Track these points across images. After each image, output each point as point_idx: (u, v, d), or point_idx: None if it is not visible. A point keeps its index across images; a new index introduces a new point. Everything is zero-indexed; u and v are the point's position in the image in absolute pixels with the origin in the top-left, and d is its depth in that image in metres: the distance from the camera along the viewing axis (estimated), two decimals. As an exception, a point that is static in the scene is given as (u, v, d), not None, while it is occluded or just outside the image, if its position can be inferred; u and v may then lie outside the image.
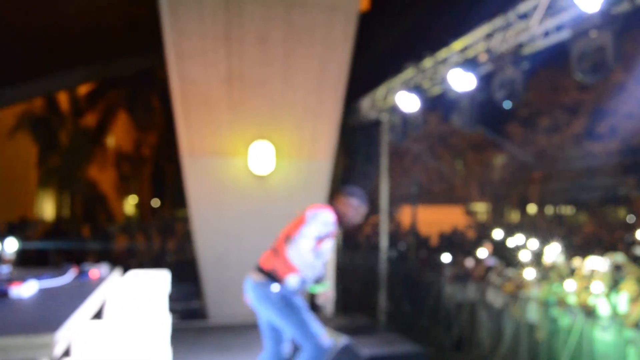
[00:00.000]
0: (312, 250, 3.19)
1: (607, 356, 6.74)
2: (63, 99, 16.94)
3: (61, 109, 16.97)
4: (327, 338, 3.29)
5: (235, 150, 7.01)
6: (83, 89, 16.92)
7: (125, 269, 4.83)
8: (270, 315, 3.37)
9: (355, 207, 3.50)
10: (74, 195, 18.24)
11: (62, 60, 9.34)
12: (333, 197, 3.76)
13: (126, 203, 20.99)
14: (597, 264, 9.24)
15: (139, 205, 20.49)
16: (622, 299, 6.81)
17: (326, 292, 3.33)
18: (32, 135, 16.05)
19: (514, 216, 24.69)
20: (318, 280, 3.29)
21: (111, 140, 18.71)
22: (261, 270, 3.38)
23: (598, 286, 7.02)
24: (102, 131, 17.51)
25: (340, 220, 3.43)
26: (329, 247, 3.44)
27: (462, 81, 5.49)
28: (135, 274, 4.56)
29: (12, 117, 15.16)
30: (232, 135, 7.03)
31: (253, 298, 3.40)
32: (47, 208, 18.16)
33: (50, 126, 16.40)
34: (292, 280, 3.29)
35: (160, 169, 18.40)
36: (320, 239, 3.24)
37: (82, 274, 4.11)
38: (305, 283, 3.36)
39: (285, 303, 3.28)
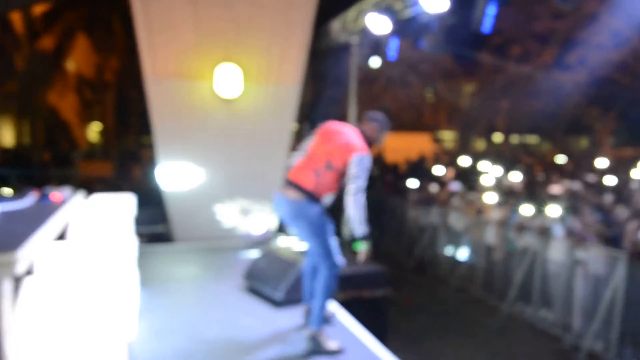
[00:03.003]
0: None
1: (558, 275, 7.17)
2: (17, 19, 15.98)
3: (15, 31, 16.05)
4: (342, 257, 3.52)
5: (200, 72, 6.81)
6: (38, 9, 15.96)
7: (89, 193, 4.80)
8: (302, 232, 3.53)
9: (380, 131, 3.63)
10: (34, 122, 17.66)
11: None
12: (359, 121, 3.83)
13: (90, 130, 20.47)
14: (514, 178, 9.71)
15: (103, 132, 20.03)
16: (575, 223, 7.14)
17: (366, 250, 3.46)
18: (-15, 59, 15.26)
19: (480, 144, 25.15)
20: (365, 238, 3.42)
21: (71, 65, 17.91)
22: (301, 188, 3.45)
23: (554, 209, 7.32)
24: (60, 55, 16.71)
25: (368, 144, 3.54)
26: None
27: (434, 2, 5.36)
28: (99, 197, 4.54)
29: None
30: (197, 58, 6.80)
31: (289, 214, 3.50)
32: (6, 135, 17.61)
33: (4, 49, 15.57)
34: (327, 199, 3.50)
35: (124, 94, 17.85)
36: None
37: (44, 197, 4.07)
38: (333, 200, 3.57)
39: (321, 223, 3.46)
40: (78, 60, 17.64)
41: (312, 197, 3.43)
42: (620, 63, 16.27)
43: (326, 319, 3.79)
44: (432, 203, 10.31)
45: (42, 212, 3.37)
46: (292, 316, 4.10)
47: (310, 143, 3.62)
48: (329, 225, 3.52)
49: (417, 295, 8.72)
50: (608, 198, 8.69)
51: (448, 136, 25.98)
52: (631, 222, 6.78)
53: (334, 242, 3.51)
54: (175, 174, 6.90)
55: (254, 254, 5.87)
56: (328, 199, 3.51)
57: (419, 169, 14.59)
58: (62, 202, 3.96)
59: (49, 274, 2.67)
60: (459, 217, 9.24)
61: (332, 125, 3.62)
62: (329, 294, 3.48)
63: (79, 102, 18.18)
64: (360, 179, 3.34)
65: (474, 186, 10.81)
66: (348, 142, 3.46)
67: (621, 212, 7.57)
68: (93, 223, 3.59)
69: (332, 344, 3.51)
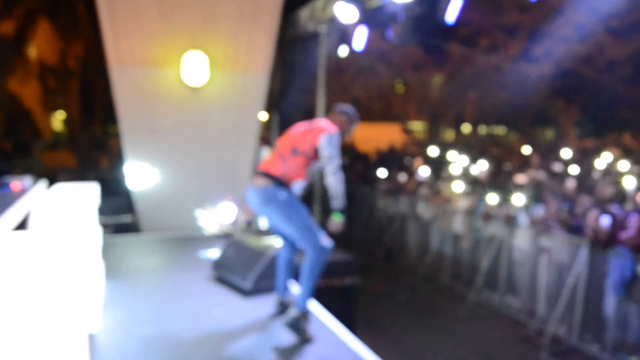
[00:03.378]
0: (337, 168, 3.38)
1: (523, 263, 7.33)
2: (-26, 2, 15.37)
3: (-28, 15, 15.44)
4: (326, 239, 3.48)
5: (167, 60, 6.68)
6: (-4, -8, 15.38)
7: (52, 183, 4.68)
8: (275, 218, 3.48)
9: (349, 123, 3.64)
10: (-5, 110, 17.08)
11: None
12: (328, 111, 3.87)
13: (54, 119, 19.92)
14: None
15: (67, 121, 19.51)
16: (539, 211, 7.30)
17: (341, 222, 3.48)
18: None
19: (449, 135, 25.47)
20: (342, 211, 3.45)
21: (32, 51, 17.35)
22: (268, 175, 3.46)
23: (519, 198, 7.47)
24: (21, 40, 16.14)
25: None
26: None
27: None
28: (61, 186, 4.42)
29: None
30: (163, 45, 6.67)
31: (259, 203, 3.48)
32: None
33: (-40, 33, 14.98)
34: (298, 186, 3.48)
35: (89, 82, 17.39)
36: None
37: (3, 185, 3.96)
38: (304, 189, 3.56)
39: (291, 205, 3.42)
40: (40, 46, 17.09)
41: (280, 182, 3.43)
42: (584, 56, 16.65)
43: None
44: (400, 192, 10.41)
45: (2, 201, 3.27)
46: (261, 305, 4.09)
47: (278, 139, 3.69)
48: (303, 208, 3.48)
49: (386, 283, 8.81)
50: (570, 184, 8.91)
51: (417, 126, 26.23)
52: (593, 211, 6.97)
53: (314, 225, 3.48)
54: (142, 173, 6.77)
55: (221, 244, 5.83)
56: (297, 185, 3.49)
57: (389, 158, 14.69)
58: (22, 191, 3.85)
59: (9, 264, 2.59)
60: (427, 206, 9.35)
61: (300, 124, 3.67)
62: (317, 275, 3.47)
63: (42, 90, 17.63)
64: (335, 158, 3.36)
65: (441, 176, 10.95)
66: (314, 125, 3.50)
67: (584, 200, 7.77)
68: (54, 212, 3.49)
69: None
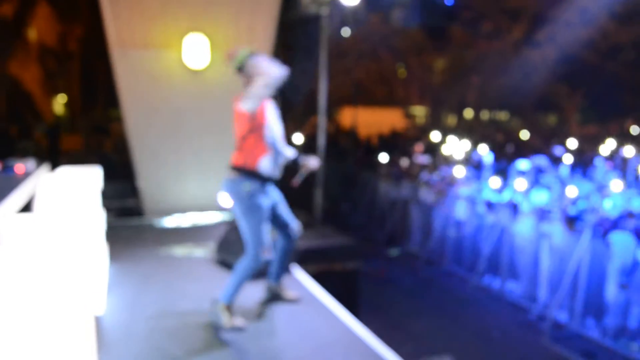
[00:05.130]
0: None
1: (524, 249, 7.34)
2: (-28, -16, 15.21)
3: (-29, -3, 15.29)
4: (267, 253, 3.47)
5: (168, 42, 6.61)
6: (-4, -26, 15.22)
7: (55, 166, 4.66)
8: (236, 212, 3.47)
9: (267, 65, 3.39)
10: (-5, 93, 16.99)
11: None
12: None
13: (55, 102, 19.82)
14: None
15: (68, 104, 19.42)
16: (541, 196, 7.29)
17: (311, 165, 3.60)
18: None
19: (451, 120, 25.36)
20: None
21: (32, 34, 17.21)
22: (233, 167, 3.45)
23: (521, 184, 7.45)
24: (20, 22, 16.02)
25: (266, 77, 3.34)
26: (279, 130, 3.58)
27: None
28: (64, 170, 4.41)
29: None
30: (164, 27, 6.59)
31: (228, 196, 3.49)
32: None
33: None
34: (264, 163, 3.41)
35: (90, 65, 17.28)
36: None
37: (7, 168, 3.95)
38: (277, 162, 3.50)
39: (251, 204, 3.39)
40: (40, 28, 16.95)
41: (245, 171, 3.40)
42: (588, 41, 16.53)
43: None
44: (403, 177, 10.39)
45: (6, 184, 3.26)
46: (264, 289, 4.10)
47: None
48: (263, 211, 3.43)
49: (388, 268, 8.84)
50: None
51: (419, 111, 26.11)
52: (593, 196, 6.97)
53: (265, 233, 3.45)
54: (146, 145, 6.73)
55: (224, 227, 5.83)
56: (264, 164, 3.41)
57: (391, 143, 14.66)
58: (25, 174, 3.84)
59: (15, 247, 2.59)
60: (429, 191, 9.34)
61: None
62: (245, 280, 3.48)
63: (43, 73, 17.53)
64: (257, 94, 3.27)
65: (443, 161, 10.92)
66: (235, 108, 3.44)
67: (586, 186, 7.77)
68: (58, 195, 3.49)
69: (237, 321, 3.49)
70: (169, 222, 6.62)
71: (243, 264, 3.48)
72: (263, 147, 3.41)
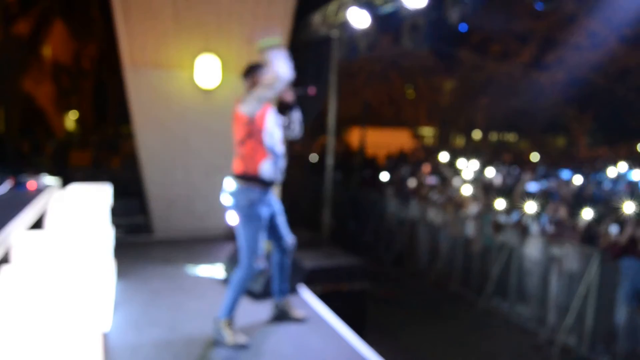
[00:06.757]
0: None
1: (532, 271, 7.28)
2: (-9, 3, 15.55)
3: (-11, 15, 15.61)
4: (261, 262, 3.48)
5: (180, 62, 6.72)
6: (13, -7, 15.55)
7: (66, 183, 4.72)
8: (235, 221, 3.50)
9: (267, 69, 3.40)
10: (9, 109, 17.23)
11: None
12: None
13: (67, 119, 20.07)
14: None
15: (80, 121, 19.66)
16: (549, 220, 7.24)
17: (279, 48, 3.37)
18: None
19: (459, 141, 25.38)
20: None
21: (47, 51, 17.51)
22: (235, 177, 3.46)
23: (531, 206, 7.42)
24: (36, 40, 16.32)
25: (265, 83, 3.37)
26: (279, 134, 3.55)
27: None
28: (75, 186, 4.47)
29: None
30: (177, 47, 6.71)
31: (231, 206, 3.51)
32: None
33: (-23, 34, 15.12)
34: (265, 168, 3.39)
35: (102, 83, 17.53)
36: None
37: (19, 185, 4.01)
38: (278, 166, 3.47)
39: (251, 212, 3.39)
40: (55, 46, 17.26)
41: (246, 179, 3.40)
42: (597, 64, 16.55)
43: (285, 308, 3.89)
44: (411, 197, 10.38)
45: (18, 201, 3.31)
46: (271, 307, 4.09)
47: None
48: (261, 220, 3.44)
49: (395, 289, 8.78)
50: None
51: (428, 132, 26.16)
52: (605, 220, 6.91)
53: (260, 241, 3.45)
54: (156, 164, 6.80)
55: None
56: (265, 169, 3.39)
57: (399, 164, 14.65)
58: (37, 191, 3.89)
59: (25, 263, 2.62)
60: (437, 211, 9.32)
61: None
62: (241, 291, 3.50)
63: (56, 90, 17.79)
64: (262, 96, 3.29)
65: (451, 181, 10.91)
66: (234, 113, 3.44)
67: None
68: (68, 212, 3.53)
69: (239, 338, 3.48)
70: (178, 239, 6.65)
71: (237, 275, 3.48)
72: (263, 152, 3.39)
